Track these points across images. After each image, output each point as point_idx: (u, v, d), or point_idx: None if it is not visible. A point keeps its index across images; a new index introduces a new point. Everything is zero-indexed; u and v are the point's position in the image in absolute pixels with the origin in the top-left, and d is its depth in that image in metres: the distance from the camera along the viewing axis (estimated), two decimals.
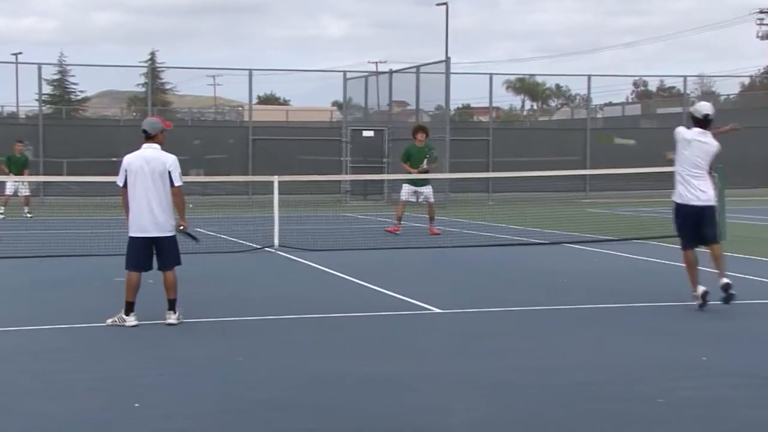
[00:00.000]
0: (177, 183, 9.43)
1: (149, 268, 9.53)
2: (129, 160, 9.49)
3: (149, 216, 9.32)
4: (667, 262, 14.85)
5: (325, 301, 11.33)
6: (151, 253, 9.47)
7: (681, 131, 10.66)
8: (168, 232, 9.46)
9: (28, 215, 23.58)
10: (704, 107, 10.70)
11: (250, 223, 20.03)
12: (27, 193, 24.07)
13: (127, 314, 9.34)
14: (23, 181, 23.40)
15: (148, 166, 9.35)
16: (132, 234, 9.47)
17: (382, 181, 30.62)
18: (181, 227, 9.57)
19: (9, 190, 23.85)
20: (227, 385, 7.23)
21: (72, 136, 32.11)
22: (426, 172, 19.63)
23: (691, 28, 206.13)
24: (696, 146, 10.45)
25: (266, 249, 16.29)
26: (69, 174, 28.45)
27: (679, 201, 10.61)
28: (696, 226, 10.50)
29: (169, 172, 9.38)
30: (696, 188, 10.45)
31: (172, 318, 9.42)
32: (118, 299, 11.21)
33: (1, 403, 6.76)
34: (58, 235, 17.99)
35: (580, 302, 11.09)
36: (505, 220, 21.94)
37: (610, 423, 6.39)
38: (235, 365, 7.88)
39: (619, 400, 6.91)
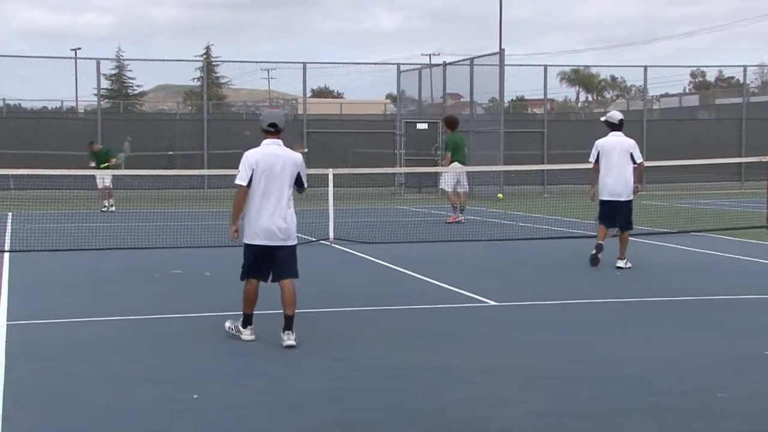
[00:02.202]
0: (306, 185, 8.49)
1: (268, 279, 8.53)
2: (256, 157, 8.26)
3: (277, 222, 8.27)
4: (724, 254, 14.69)
5: (381, 293, 11.36)
6: (271, 263, 8.43)
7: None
8: (293, 240, 8.46)
9: (111, 208, 24.02)
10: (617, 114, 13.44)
11: (305, 215, 20.12)
12: (108, 185, 24.57)
13: (244, 326, 8.48)
14: (106, 174, 24.00)
15: (279, 166, 8.25)
16: (252, 241, 8.33)
17: (436, 173, 30.55)
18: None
19: (99, 183, 24.57)
20: (284, 377, 7.28)
21: (129, 130, 32.48)
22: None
23: (750, 16, 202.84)
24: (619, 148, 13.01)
25: (321, 242, 16.36)
26: (126, 167, 28.79)
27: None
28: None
29: (299, 173, 8.38)
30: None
31: (291, 339, 8.21)
32: (177, 292, 11.38)
33: (64, 392, 6.87)
34: (117, 228, 18.24)
35: (636, 295, 11.00)
36: (560, 213, 21.80)
37: (669, 416, 6.32)
38: (293, 356, 7.93)
39: (678, 393, 6.84)
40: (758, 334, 8.86)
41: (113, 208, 24.12)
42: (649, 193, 30.30)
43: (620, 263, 12.98)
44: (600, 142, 13.17)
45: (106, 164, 24.27)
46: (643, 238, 17.08)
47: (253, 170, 8.23)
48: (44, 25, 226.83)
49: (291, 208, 8.38)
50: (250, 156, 8.30)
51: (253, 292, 8.43)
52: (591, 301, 10.69)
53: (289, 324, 8.27)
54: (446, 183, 20.62)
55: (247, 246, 8.40)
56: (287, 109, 57.93)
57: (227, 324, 8.63)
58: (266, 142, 8.36)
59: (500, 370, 7.53)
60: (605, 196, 13.13)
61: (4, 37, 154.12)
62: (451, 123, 21.19)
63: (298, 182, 8.41)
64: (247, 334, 8.45)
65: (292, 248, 8.45)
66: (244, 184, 8.25)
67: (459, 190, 20.55)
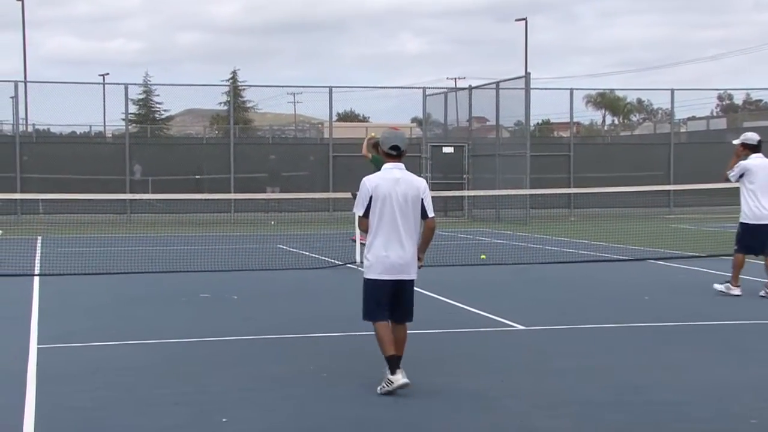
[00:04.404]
0: (431, 213, 7.66)
1: (389, 316, 7.65)
2: (374, 183, 7.59)
3: (399, 253, 7.51)
4: (755, 278, 14.55)
5: None
6: (393, 299, 7.61)
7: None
8: (415, 275, 7.66)
9: None
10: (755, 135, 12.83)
11: (331, 239, 20.18)
12: None
13: (393, 373, 7.39)
14: None
15: (399, 192, 7.55)
16: (373, 276, 7.57)
17: (462, 197, 30.57)
18: (419, 264, 7.70)
19: None
20: (312, 402, 7.27)
21: (156, 154, 32.74)
22: None
23: None
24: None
25: (348, 265, 16.38)
26: (154, 192, 29.00)
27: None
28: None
29: (422, 200, 7.62)
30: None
31: (404, 376, 7.41)
32: (204, 315, 11.42)
33: (91, 417, 6.90)
34: (144, 252, 18.33)
35: (663, 320, 10.91)
36: (587, 236, 21.73)
37: None
38: (320, 381, 7.92)
39: (707, 420, 6.78)
40: None
41: None
42: (677, 216, 30.18)
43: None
44: (748, 164, 12.63)
45: None
46: (672, 262, 16.99)
47: (371, 197, 7.55)
48: (73, 52, 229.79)
49: (416, 237, 7.61)
50: (367, 182, 7.63)
51: (386, 331, 7.52)
52: (620, 325, 10.62)
53: (398, 364, 7.49)
54: None
55: (367, 281, 7.64)
56: (313, 133, 58.19)
57: (378, 390, 7.45)
58: (387, 166, 7.68)
59: (528, 394, 7.49)
60: (763, 220, 12.51)
61: (35, 64, 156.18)
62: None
63: (422, 210, 7.64)
64: (398, 379, 7.35)
65: (413, 284, 7.67)
66: (360, 213, 7.60)
67: None
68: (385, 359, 7.45)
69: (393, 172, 7.62)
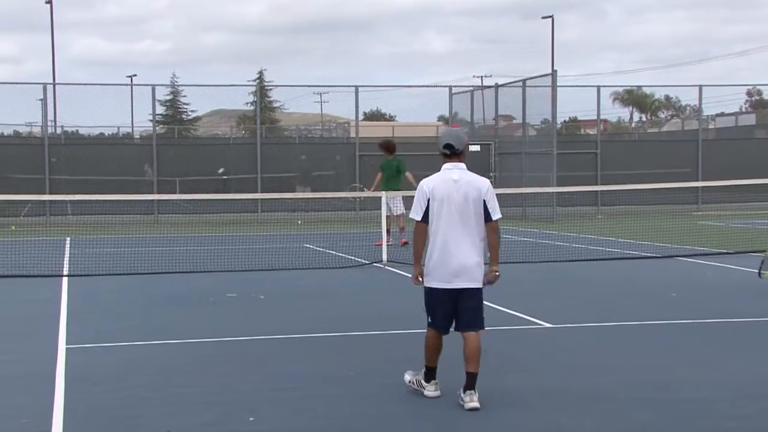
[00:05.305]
0: (495, 216, 7.12)
1: (449, 329, 7.29)
2: (432, 185, 7.17)
3: (458, 260, 7.06)
4: None
5: None
6: (454, 309, 7.17)
7: None
8: (477, 282, 7.13)
9: None
10: None
11: (358, 238, 20.19)
12: None
13: (427, 381, 7.30)
14: None
15: (459, 193, 7.09)
16: (431, 284, 7.20)
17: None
18: (496, 273, 7.18)
19: None
20: (338, 400, 7.30)
21: (184, 154, 32.85)
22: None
23: None
24: None
25: (375, 264, 16.40)
26: (181, 192, 29.14)
27: None
28: None
29: (485, 201, 7.10)
30: None
31: (474, 400, 6.89)
32: (231, 315, 11.47)
33: (123, 415, 6.95)
34: (172, 252, 18.43)
35: (692, 317, 10.87)
36: (614, 234, 21.63)
37: None
38: (347, 380, 7.94)
39: (738, 417, 6.74)
40: None
41: None
42: (706, 213, 29.99)
43: None
44: None
45: None
46: (700, 258, 16.89)
47: (428, 201, 7.14)
48: (101, 54, 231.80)
49: (479, 242, 7.13)
50: (424, 185, 7.20)
51: (433, 341, 7.25)
52: (646, 323, 10.58)
53: (471, 383, 6.96)
54: (397, 207, 19.23)
55: (429, 289, 7.25)
56: (340, 132, 58.22)
57: (407, 377, 7.47)
58: (446, 166, 7.22)
59: (555, 393, 7.47)
60: None
61: (63, 66, 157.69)
62: (386, 147, 20.57)
63: (485, 212, 7.14)
64: (430, 390, 7.25)
65: (477, 292, 7.16)
66: (419, 218, 7.14)
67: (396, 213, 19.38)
68: (425, 366, 7.34)
69: (451, 173, 7.16)
